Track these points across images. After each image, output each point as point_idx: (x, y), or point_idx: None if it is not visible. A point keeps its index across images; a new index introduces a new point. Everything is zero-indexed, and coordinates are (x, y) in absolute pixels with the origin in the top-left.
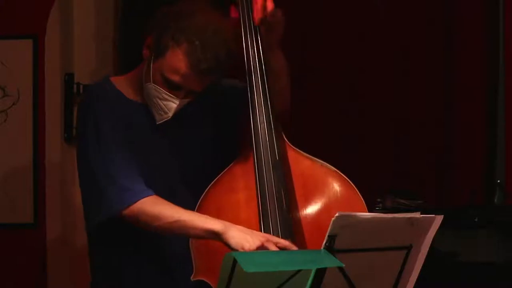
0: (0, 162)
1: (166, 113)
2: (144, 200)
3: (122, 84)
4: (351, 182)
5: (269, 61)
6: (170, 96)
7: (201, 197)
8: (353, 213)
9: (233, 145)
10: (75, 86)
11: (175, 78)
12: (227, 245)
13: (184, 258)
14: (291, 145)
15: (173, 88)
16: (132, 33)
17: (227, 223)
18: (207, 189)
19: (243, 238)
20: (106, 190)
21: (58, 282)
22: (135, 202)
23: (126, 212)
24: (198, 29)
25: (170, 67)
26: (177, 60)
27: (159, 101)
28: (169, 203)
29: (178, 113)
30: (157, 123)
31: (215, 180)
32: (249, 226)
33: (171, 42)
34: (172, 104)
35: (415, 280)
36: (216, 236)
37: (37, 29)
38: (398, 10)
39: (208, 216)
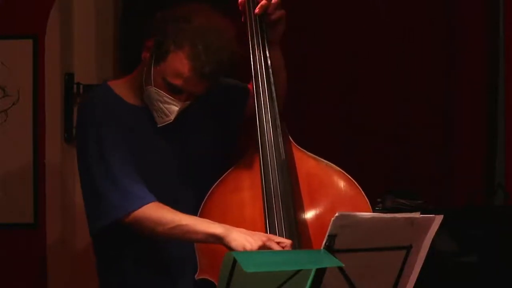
0: (0, 162)
1: (167, 116)
2: (147, 206)
3: (121, 88)
4: (355, 182)
5: (272, 59)
6: (172, 100)
7: (207, 196)
8: (353, 213)
9: (234, 144)
10: (75, 86)
11: (178, 82)
12: (229, 248)
13: (185, 260)
14: (297, 145)
15: (175, 91)
16: (132, 33)
17: (228, 226)
18: (212, 188)
19: (244, 239)
20: (109, 196)
21: (58, 282)
22: (138, 208)
23: (129, 218)
24: (200, 33)
25: (173, 71)
26: (180, 64)
27: (161, 104)
28: (170, 208)
29: (179, 115)
30: (158, 126)
31: (220, 179)
32: (254, 225)
33: (172, 46)
34: (174, 107)
35: (415, 280)
36: (218, 239)
37: (37, 29)
38: (398, 11)
39: (209, 220)
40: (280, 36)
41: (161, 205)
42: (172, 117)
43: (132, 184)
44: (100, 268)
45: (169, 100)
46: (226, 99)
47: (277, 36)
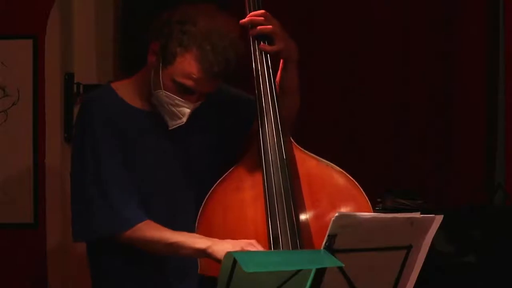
0: (0, 162)
1: (180, 118)
2: (134, 229)
3: (124, 90)
4: (356, 183)
5: (283, 78)
6: (183, 102)
7: (207, 195)
8: (353, 213)
9: (236, 150)
10: (75, 86)
11: (188, 82)
12: (215, 260)
13: (182, 264)
14: (298, 146)
15: (186, 92)
16: (132, 33)
17: (214, 240)
18: (213, 187)
19: (225, 249)
20: (97, 212)
21: (58, 282)
22: (127, 229)
23: (116, 238)
24: (206, 34)
25: (182, 73)
26: (188, 66)
27: (172, 108)
28: (159, 227)
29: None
30: (170, 128)
31: (221, 178)
32: (255, 225)
33: (179, 49)
34: (186, 110)
35: (415, 280)
36: (204, 254)
37: (37, 29)
38: (398, 11)
39: (197, 235)
40: (291, 57)
41: (150, 224)
42: (184, 119)
43: (122, 201)
44: (93, 273)
45: (180, 103)
46: (237, 112)
47: (286, 56)
